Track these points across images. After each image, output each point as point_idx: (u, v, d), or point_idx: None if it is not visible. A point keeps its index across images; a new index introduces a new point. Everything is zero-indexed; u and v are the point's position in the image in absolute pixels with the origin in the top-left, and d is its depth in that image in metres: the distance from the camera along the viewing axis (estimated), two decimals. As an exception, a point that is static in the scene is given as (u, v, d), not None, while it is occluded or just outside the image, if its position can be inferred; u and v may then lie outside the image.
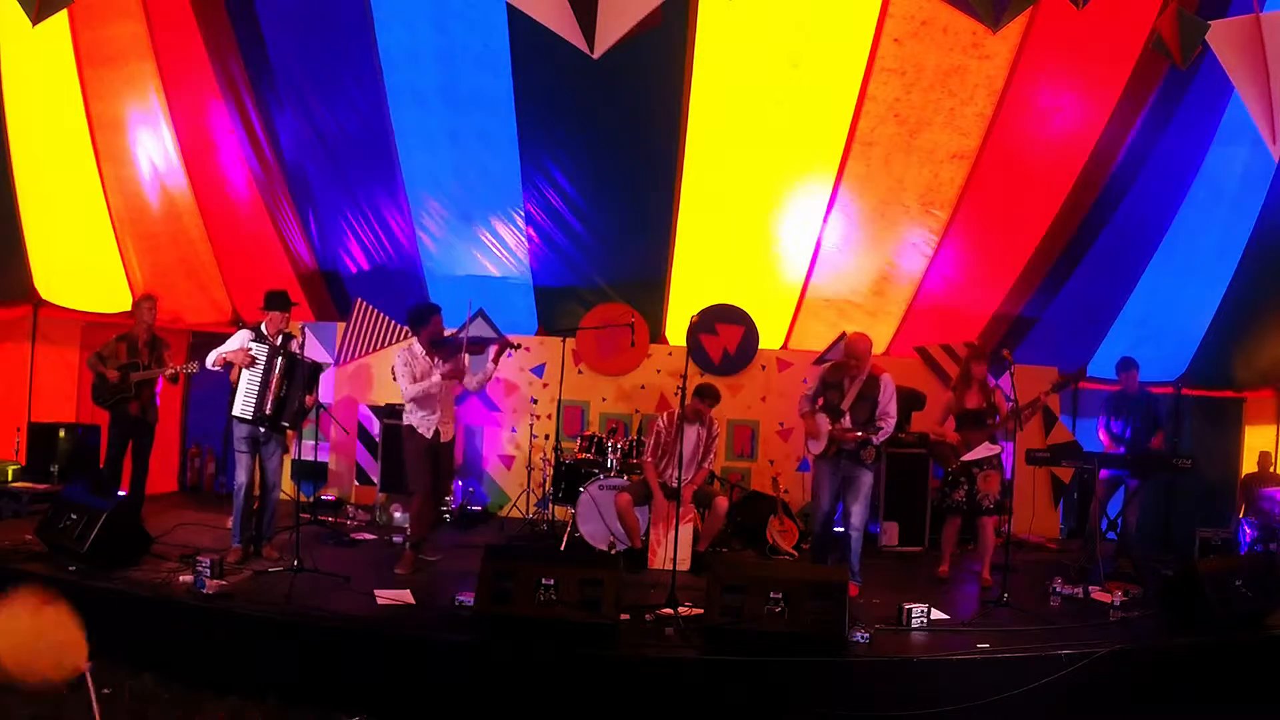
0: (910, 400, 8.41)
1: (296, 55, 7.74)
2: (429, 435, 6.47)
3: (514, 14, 6.45)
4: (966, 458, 6.80)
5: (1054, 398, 9.36)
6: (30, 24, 5.46)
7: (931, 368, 9.15)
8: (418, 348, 6.50)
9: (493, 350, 6.57)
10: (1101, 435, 7.88)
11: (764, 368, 9.25)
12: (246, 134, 8.23)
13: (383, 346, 9.24)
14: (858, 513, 6.32)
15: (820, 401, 6.45)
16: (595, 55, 5.42)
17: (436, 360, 6.45)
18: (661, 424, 7.30)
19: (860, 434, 6.21)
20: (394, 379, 6.63)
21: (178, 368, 7.26)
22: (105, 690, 4.60)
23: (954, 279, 8.79)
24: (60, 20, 7.08)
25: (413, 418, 6.49)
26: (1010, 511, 6.90)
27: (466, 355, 6.54)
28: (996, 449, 6.81)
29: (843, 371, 6.42)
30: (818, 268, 8.81)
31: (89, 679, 3.16)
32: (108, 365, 7.21)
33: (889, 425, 6.31)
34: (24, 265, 7.74)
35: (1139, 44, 6.76)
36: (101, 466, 7.66)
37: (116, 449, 7.34)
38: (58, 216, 8.03)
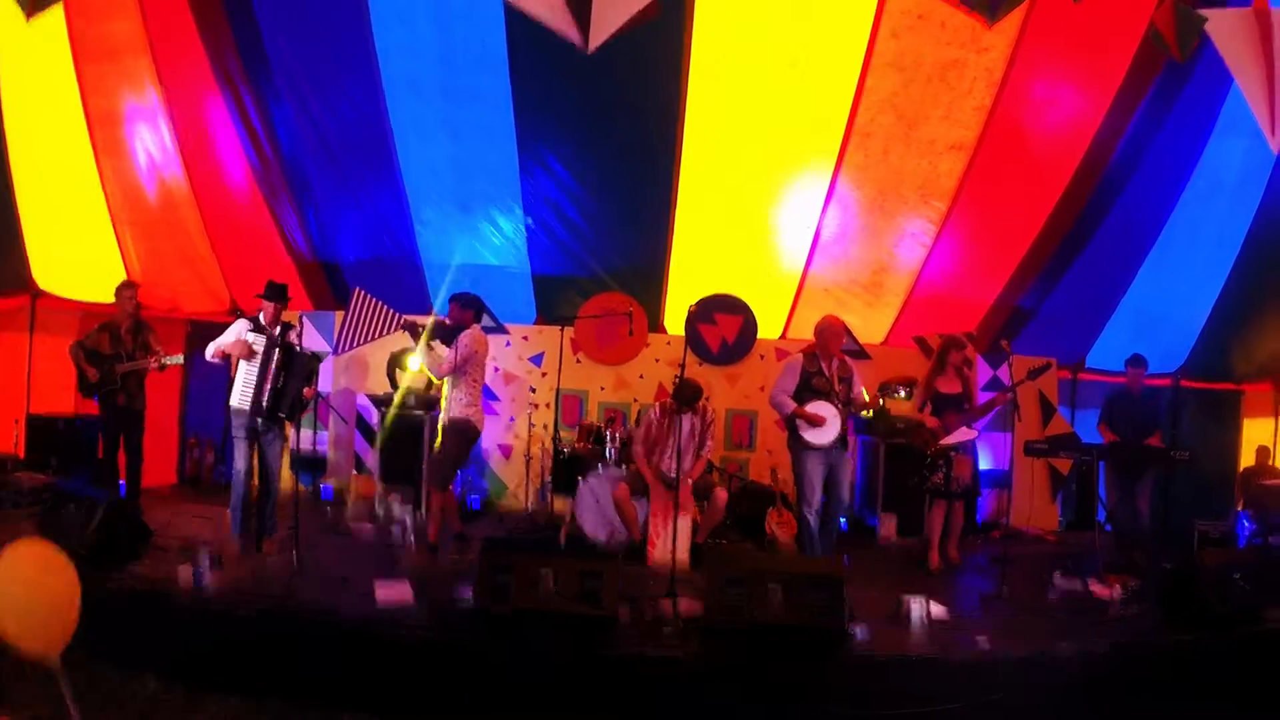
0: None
1: (293, 48, 7.70)
2: (480, 425, 6.81)
3: (510, 6, 6.43)
4: (945, 441, 6.85)
5: (1053, 390, 9.39)
6: (24, 19, 5.44)
7: (929, 358, 9.13)
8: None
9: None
10: (1101, 430, 7.86)
11: (762, 357, 9.25)
12: (244, 127, 8.20)
13: (381, 335, 9.22)
14: (844, 499, 6.61)
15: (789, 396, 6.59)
16: (589, 50, 5.41)
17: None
18: (654, 415, 7.27)
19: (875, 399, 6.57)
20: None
21: (164, 359, 7.23)
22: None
23: (952, 270, 8.79)
24: (56, 16, 7.05)
25: (471, 410, 6.72)
26: (979, 494, 7.41)
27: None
28: (973, 434, 6.91)
29: (819, 357, 6.66)
30: (816, 258, 8.81)
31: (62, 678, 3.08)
32: (89, 355, 7.20)
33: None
34: (22, 256, 7.74)
35: (1137, 37, 6.75)
36: (100, 458, 7.67)
37: (110, 440, 7.35)
38: (55, 207, 8.02)
